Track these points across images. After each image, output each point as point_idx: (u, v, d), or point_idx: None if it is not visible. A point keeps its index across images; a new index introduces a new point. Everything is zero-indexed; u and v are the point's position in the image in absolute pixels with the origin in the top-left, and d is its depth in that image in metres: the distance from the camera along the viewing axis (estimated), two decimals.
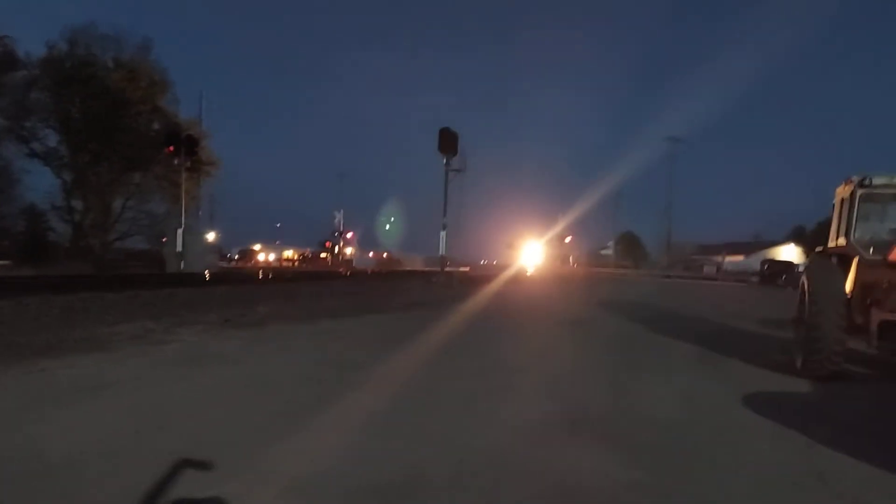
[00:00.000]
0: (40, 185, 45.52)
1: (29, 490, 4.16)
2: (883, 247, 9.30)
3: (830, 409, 7.61)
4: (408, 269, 68.90)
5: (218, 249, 53.40)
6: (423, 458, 5.06)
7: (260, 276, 37.08)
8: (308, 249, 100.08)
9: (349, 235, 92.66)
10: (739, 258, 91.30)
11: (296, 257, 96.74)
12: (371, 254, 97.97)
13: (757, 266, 71.08)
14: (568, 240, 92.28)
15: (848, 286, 9.44)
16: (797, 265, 56.58)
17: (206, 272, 35.32)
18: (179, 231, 37.90)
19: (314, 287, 24.33)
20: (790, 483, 4.81)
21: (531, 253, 74.66)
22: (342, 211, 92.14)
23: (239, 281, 29.02)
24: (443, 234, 32.52)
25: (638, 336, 14.38)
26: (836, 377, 8.97)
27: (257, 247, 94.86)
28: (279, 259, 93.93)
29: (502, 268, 56.30)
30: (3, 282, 21.33)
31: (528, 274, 54.39)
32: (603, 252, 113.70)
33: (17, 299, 13.54)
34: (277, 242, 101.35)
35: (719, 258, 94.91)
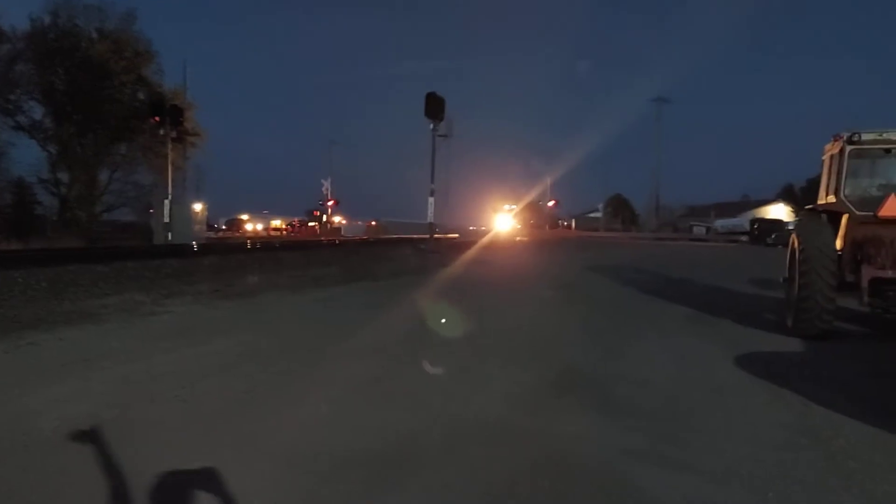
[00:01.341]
0: (26, 158, 44.98)
1: (18, 465, 4.12)
2: (873, 203, 9.28)
3: (822, 367, 7.61)
4: (396, 236, 68.62)
5: (205, 220, 53.02)
6: (416, 426, 5.05)
7: (248, 246, 36.96)
8: (296, 218, 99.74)
9: (336, 203, 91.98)
10: (729, 219, 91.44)
11: (284, 226, 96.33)
12: (360, 222, 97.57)
13: (747, 226, 71.27)
14: (552, 203, 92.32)
15: (838, 243, 9.43)
16: (787, 224, 56.88)
17: (194, 243, 35.17)
18: (166, 202, 37.62)
19: (303, 256, 24.21)
20: (785, 443, 4.81)
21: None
22: (330, 179, 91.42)
23: (227, 251, 28.86)
24: (431, 200, 32.28)
25: (629, 298, 14.42)
26: (827, 335, 9.01)
27: (245, 216, 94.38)
28: (267, 228, 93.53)
29: (492, 233, 56.28)
30: None
31: (518, 239, 54.46)
32: (592, 215, 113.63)
33: (4, 272, 13.37)
34: (265, 212, 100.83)
35: (709, 219, 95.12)
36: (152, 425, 4.87)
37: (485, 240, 45.84)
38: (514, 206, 71.10)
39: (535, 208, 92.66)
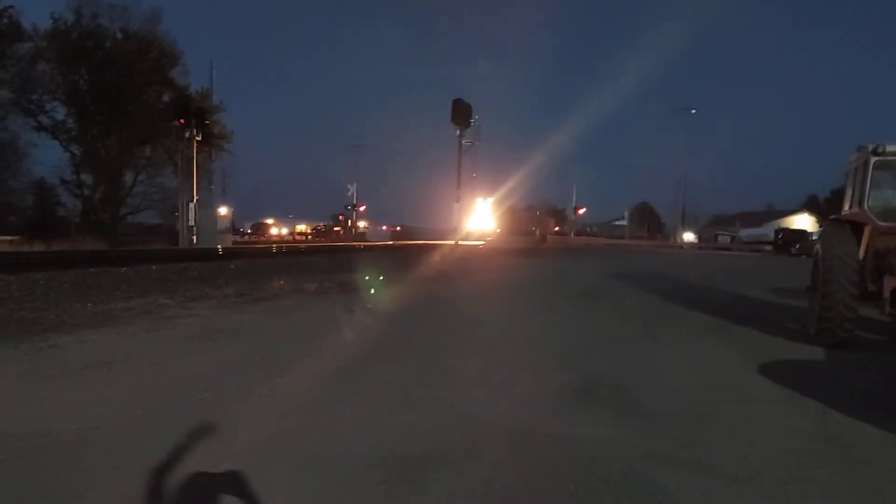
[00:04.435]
0: (48, 159, 44.83)
1: (40, 466, 4.20)
2: (895, 214, 9.25)
3: (843, 375, 7.60)
4: (421, 241, 68.11)
5: (231, 223, 53.11)
6: (441, 429, 5.10)
7: (273, 250, 36.99)
8: (321, 223, 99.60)
9: (362, 209, 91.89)
10: (754, 228, 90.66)
11: (309, 231, 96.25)
12: (384, 227, 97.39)
13: (771, 236, 70.75)
14: (582, 210, 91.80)
15: (861, 254, 9.38)
16: (810, 234, 56.49)
17: (220, 246, 35.33)
18: (191, 205, 37.79)
19: (327, 260, 24.23)
20: (805, 449, 4.83)
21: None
22: (355, 184, 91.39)
23: (252, 255, 28.90)
24: (456, 205, 32.34)
25: (654, 306, 14.34)
26: (848, 344, 8.97)
27: (270, 220, 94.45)
28: (292, 233, 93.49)
29: (515, 239, 55.71)
30: (13, 257, 21.24)
31: (542, 245, 54.19)
32: (617, 223, 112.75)
33: (27, 274, 13.49)
34: (290, 216, 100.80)
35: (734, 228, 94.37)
36: (175, 428, 4.92)
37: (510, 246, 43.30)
38: (489, 199, 60.67)
39: (556, 214, 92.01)
